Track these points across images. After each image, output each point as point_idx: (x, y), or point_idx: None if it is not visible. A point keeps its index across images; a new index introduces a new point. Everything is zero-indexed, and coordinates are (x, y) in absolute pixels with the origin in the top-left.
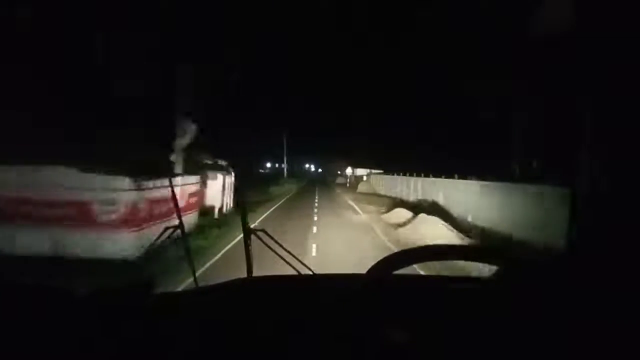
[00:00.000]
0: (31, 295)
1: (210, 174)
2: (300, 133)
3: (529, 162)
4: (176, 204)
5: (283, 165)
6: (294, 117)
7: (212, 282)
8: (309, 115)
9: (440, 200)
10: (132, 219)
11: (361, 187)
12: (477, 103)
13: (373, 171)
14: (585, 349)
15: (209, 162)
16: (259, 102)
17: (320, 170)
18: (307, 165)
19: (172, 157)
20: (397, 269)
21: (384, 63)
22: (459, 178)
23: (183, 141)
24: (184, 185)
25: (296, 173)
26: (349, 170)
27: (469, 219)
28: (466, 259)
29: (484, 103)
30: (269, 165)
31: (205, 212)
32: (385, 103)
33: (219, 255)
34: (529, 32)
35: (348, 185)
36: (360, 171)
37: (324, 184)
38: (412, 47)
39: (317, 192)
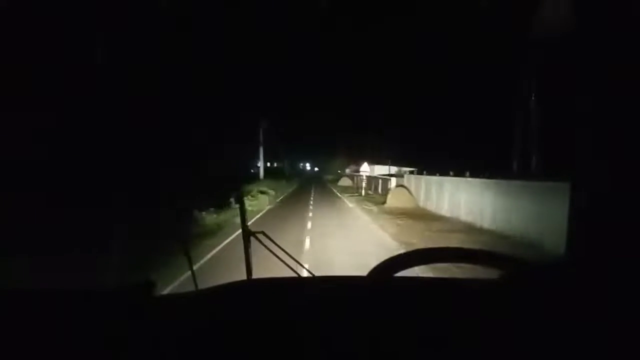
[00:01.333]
0: (31, 296)
1: None
2: (293, 131)
3: (527, 162)
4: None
5: (276, 164)
6: (287, 114)
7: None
8: (303, 114)
9: None
10: None
11: (395, 199)
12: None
13: (404, 169)
14: (591, 352)
15: None
16: (250, 100)
17: (316, 169)
18: (301, 165)
19: None
20: (399, 271)
21: (385, 58)
22: None
23: None
24: None
25: (285, 172)
26: (365, 168)
27: None
28: (471, 262)
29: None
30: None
31: None
32: (385, 100)
33: None
34: (529, 32)
35: (364, 192)
36: (379, 170)
37: (322, 187)
38: (412, 44)
39: (310, 214)
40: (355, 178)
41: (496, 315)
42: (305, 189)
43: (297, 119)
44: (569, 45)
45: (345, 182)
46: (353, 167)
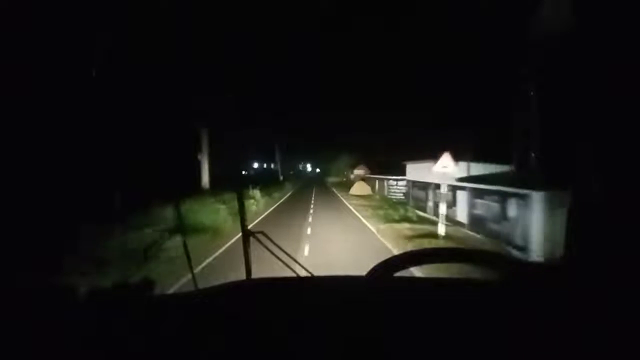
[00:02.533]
0: (32, 295)
1: None
2: (292, 132)
3: (526, 161)
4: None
5: (273, 166)
6: (286, 114)
7: (211, 284)
8: (302, 114)
9: None
10: None
11: None
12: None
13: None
14: (590, 352)
15: None
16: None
17: (318, 170)
18: (301, 166)
19: None
20: (398, 271)
21: (385, 57)
22: None
23: None
24: None
25: (280, 176)
26: (447, 166)
27: None
28: (468, 263)
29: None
30: (256, 165)
31: None
32: (385, 99)
33: None
34: (529, 32)
35: (442, 228)
36: (419, 172)
37: (328, 201)
38: (412, 44)
39: None
40: (379, 184)
41: (495, 316)
42: (297, 214)
43: (296, 119)
44: (569, 45)
45: (360, 189)
46: (363, 168)
